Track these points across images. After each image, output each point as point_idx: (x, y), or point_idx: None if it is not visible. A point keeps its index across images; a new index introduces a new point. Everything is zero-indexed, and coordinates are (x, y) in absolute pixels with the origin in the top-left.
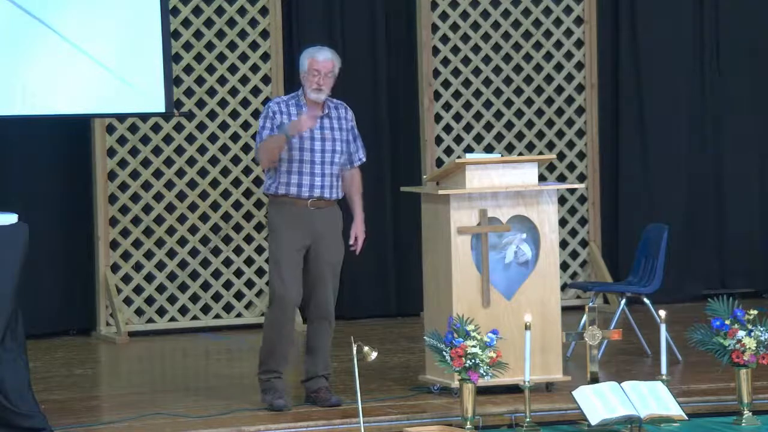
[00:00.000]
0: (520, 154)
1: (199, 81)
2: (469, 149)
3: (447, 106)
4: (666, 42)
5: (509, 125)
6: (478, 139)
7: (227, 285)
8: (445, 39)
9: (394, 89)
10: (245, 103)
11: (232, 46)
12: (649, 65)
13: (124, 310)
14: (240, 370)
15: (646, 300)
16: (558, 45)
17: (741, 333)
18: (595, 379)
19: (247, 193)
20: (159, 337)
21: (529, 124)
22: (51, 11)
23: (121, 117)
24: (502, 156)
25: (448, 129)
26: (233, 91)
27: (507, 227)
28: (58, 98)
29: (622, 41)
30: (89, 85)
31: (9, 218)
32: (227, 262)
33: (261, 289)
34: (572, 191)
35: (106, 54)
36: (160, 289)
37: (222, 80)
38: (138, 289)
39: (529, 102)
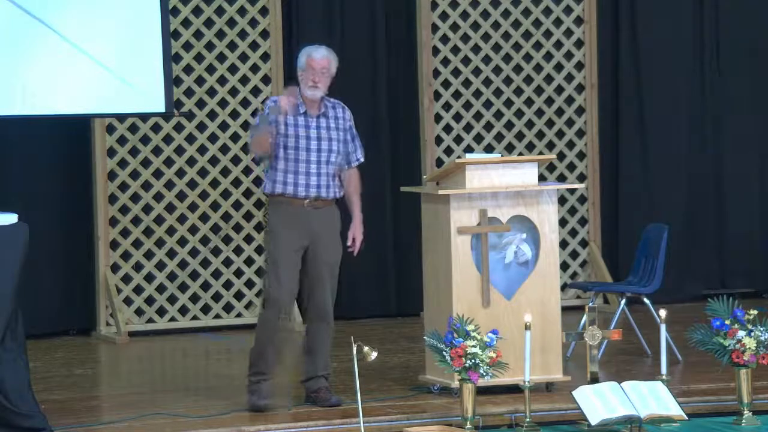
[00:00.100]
0: (520, 154)
1: (199, 81)
2: (469, 149)
3: (447, 106)
4: (666, 42)
5: (509, 125)
6: (478, 139)
7: (227, 285)
8: (445, 39)
9: (394, 89)
10: (245, 103)
11: (232, 46)
12: (649, 65)
13: (124, 310)
14: (240, 371)
15: (646, 300)
16: (558, 45)
17: (741, 333)
18: (595, 379)
19: (247, 193)
20: (159, 337)
21: (529, 124)
22: (51, 11)
23: (121, 117)
24: (502, 156)
25: (448, 129)
26: (233, 91)
27: (507, 227)
28: (58, 98)
29: (622, 41)
30: (89, 85)
31: (9, 218)
32: (227, 262)
33: (261, 289)
34: (572, 191)
35: (106, 54)
36: (160, 289)
37: (222, 80)
38: (138, 289)
39: (529, 102)
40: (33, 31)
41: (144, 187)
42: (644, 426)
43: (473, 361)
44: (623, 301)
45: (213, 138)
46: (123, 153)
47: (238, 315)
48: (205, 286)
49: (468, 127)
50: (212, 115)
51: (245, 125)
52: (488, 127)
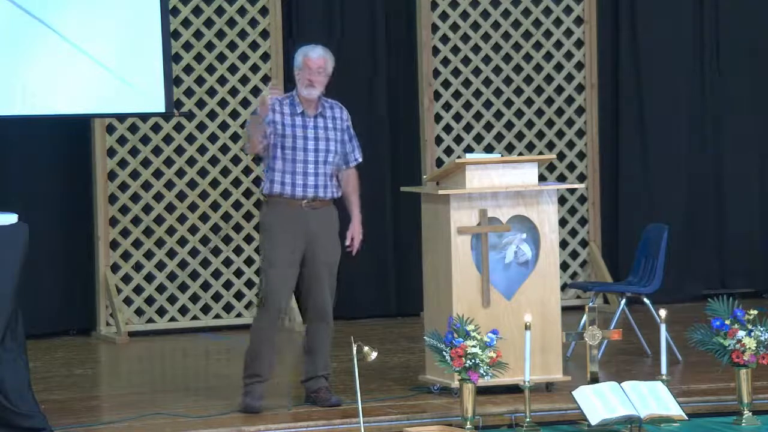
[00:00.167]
0: (520, 154)
1: (199, 81)
2: (469, 149)
3: (447, 106)
4: (666, 42)
5: (509, 125)
6: (478, 139)
7: (227, 285)
8: (445, 39)
9: (394, 89)
10: (245, 103)
11: (232, 46)
12: (649, 65)
13: (124, 310)
14: (240, 371)
15: (646, 300)
16: (558, 45)
17: (741, 333)
18: (595, 379)
19: (247, 193)
20: (159, 337)
21: (529, 124)
22: (51, 11)
23: (121, 117)
24: (502, 156)
25: (448, 129)
26: (233, 91)
27: (507, 227)
28: (58, 98)
29: (622, 41)
30: (89, 85)
31: (9, 218)
32: (227, 262)
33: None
34: (572, 191)
35: (106, 54)
36: (160, 289)
37: (222, 80)
38: (138, 289)
39: (529, 102)
40: (33, 31)
41: (144, 187)
42: (644, 426)
43: (473, 361)
44: (623, 301)
45: (213, 138)
46: (123, 153)
47: (238, 315)
48: (205, 286)
49: (468, 127)
50: (212, 115)
51: (245, 125)
52: (488, 127)
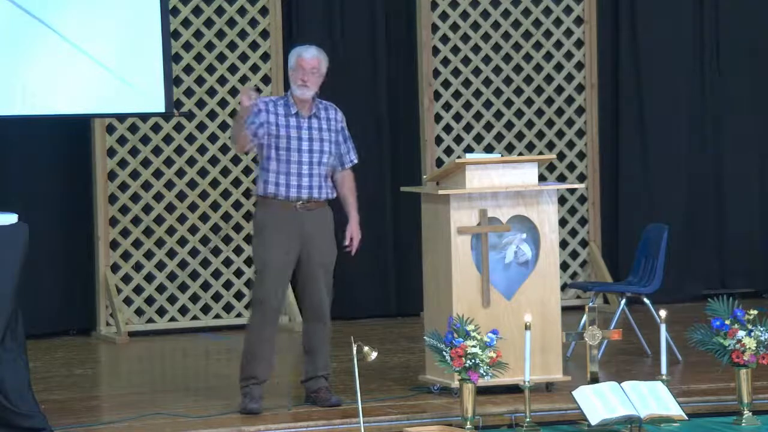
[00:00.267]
0: (520, 154)
1: (199, 81)
2: (469, 149)
3: (447, 106)
4: (666, 42)
5: (509, 125)
6: (478, 139)
7: (227, 285)
8: (445, 39)
9: (394, 89)
10: None
11: (232, 46)
12: (649, 65)
13: (124, 310)
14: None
15: (646, 300)
16: (558, 45)
17: (741, 333)
18: (595, 379)
19: (247, 193)
20: (159, 337)
21: (529, 124)
22: (51, 11)
23: (121, 117)
24: (502, 156)
25: (448, 129)
26: (233, 91)
27: (507, 227)
28: (58, 98)
29: (622, 41)
30: (89, 85)
31: (9, 218)
32: (227, 262)
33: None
34: (572, 191)
35: (106, 54)
36: (160, 289)
37: (222, 80)
38: (138, 289)
39: (529, 102)
40: (33, 31)
41: (144, 187)
42: (644, 426)
43: (473, 361)
44: (623, 301)
45: (213, 138)
46: (123, 153)
47: (238, 315)
48: (205, 286)
49: (468, 127)
50: (212, 115)
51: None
52: (488, 127)
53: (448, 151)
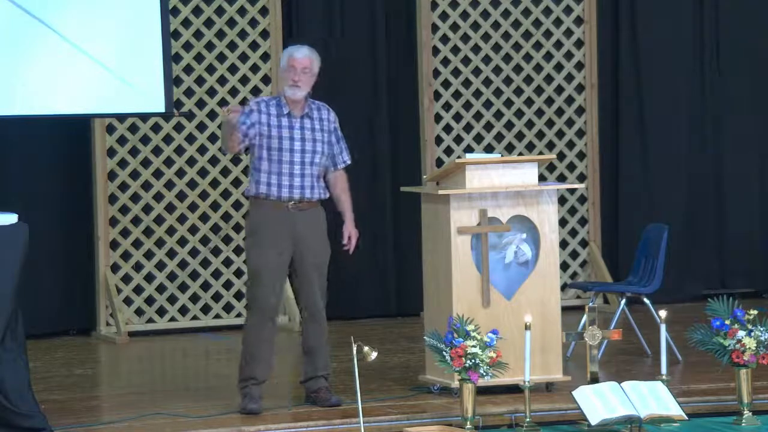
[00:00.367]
0: (520, 154)
1: (199, 81)
2: (469, 149)
3: (447, 106)
4: (666, 42)
5: (509, 125)
6: (478, 139)
7: (227, 285)
8: (445, 39)
9: (394, 89)
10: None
11: (232, 46)
12: (649, 65)
13: (124, 310)
14: None
15: (646, 300)
16: (558, 45)
17: (741, 333)
18: (595, 379)
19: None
20: (159, 337)
21: (529, 124)
22: (51, 11)
23: (121, 117)
24: (502, 156)
25: (448, 129)
26: (233, 91)
27: (507, 227)
28: (58, 98)
29: (622, 41)
30: (89, 85)
31: (9, 218)
32: (227, 262)
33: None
34: (572, 191)
35: (106, 54)
36: (160, 289)
37: (222, 80)
38: (138, 289)
39: (529, 102)
40: (33, 31)
41: (144, 187)
42: (644, 426)
43: (473, 361)
44: (623, 301)
45: (213, 138)
46: (123, 153)
47: (238, 315)
48: (205, 286)
49: (468, 127)
50: (212, 115)
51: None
52: (488, 127)
53: (448, 151)
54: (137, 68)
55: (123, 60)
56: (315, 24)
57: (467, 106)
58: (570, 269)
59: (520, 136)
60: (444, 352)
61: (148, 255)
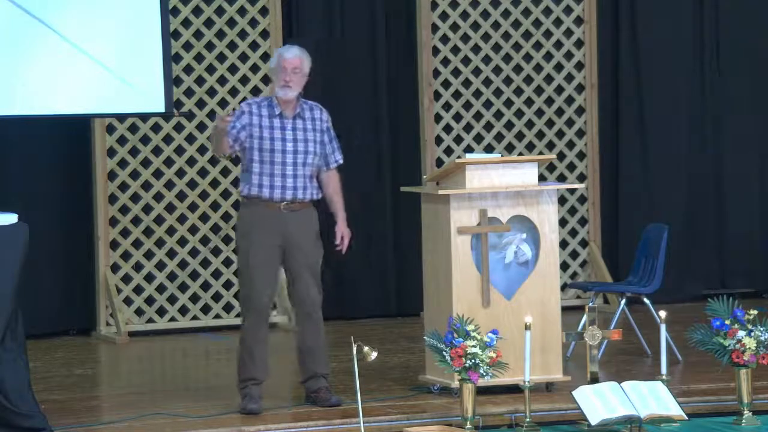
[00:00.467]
0: (520, 154)
1: (199, 81)
2: (469, 149)
3: (447, 106)
4: (666, 42)
5: (509, 125)
6: (478, 139)
7: (227, 285)
8: (445, 39)
9: (394, 89)
10: None
11: (232, 46)
12: (649, 65)
13: (124, 310)
14: None
15: (646, 300)
16: (558, 45)
17: (741, 333)
18: (595, 379)
19: None
20: (159, 337)
21: (529, 124)
22: (51, 11)
23: (121, 117)
24: (502, 156)
25: (448, 129)
26: (233, 91)
27: (507, 227)
28: (58, 98)
29: (622, 41)
30: (89, 85)
31: (9, 218)
32: (227, 262)
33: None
34: (572, 191)
35: (106, 54)
36: (160, 289)
37: (222, 80)
38: (138, 289)
39: (529, 102)
40: (33, 31)
41: (144, 187)
42: (644, 426)
43: (473, 361)
44: (623, 301)
45: None
46: (123, 153)
47: (238, 315)
48: (205, 286)
49: (468, 127)
50: (212, 115)
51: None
52: (488, 127)
53: (448, 151)
54: (137, 68)
55: (123, 60)
56: (315, 24)
57: (467, 106)
58: (570, 269)
59: (520, 136)
60: (444, 352)
61: (148, 255)
